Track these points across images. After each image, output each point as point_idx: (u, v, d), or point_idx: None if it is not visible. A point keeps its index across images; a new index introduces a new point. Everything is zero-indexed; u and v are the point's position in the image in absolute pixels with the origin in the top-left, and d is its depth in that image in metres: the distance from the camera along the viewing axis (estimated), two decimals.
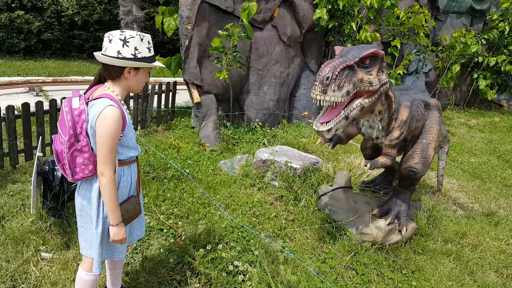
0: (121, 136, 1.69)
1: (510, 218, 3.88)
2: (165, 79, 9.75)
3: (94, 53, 1.71)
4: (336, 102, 2.15)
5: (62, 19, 14.62)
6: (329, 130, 2.25)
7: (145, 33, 1.75)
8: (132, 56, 1.64)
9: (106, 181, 1.63)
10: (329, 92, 2.11)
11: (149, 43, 1.71)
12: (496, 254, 3.18)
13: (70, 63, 14.12)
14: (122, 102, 1.73)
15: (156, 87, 5.75)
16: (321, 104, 2.18)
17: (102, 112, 1.58)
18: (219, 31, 5.01)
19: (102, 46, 1.67)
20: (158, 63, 1.76)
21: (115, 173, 1.69)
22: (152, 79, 10.32)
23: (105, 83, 1.73)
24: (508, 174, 5.37)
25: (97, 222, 1.75)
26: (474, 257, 3.07)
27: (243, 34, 5.02)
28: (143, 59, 1.68)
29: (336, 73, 2.11)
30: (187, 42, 5.11)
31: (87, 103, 1.67)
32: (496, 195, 4.54)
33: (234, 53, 5.07)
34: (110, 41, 1.63)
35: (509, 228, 3.67)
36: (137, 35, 1.65)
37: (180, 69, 5.87)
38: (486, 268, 2.97)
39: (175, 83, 6.18)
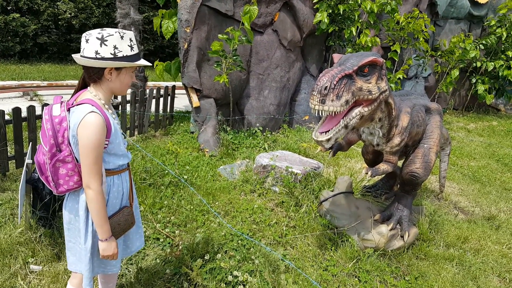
0: (106, 144, 1.57)
1: (511, 222, 3.86)
2: (165, 84, 9.69)
3: (73, 55, 1.61)
4: (335, 112, 2.12)
5: (59, 23, 14.51)
6: (328, 140, 2.22)
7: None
8: (112, 56, 1.52)
9: (93, 194, 1.52)
10: (327, 102, 2.08)
11: (131, 40, 1.58)
12: (498, 258, 3.16)
13: (67, 67, 13.98)
14: (107, 106, 1.62)
15: (154, 91, 5.72)
16: (320, 114, 2.14)
17: (82, 120, 1.48)
18: (219, 34, 4.99)
19: (80, 47, 1.57)
20: (143, 62, 1.63)
21: (102, 184, 1.59)
22: (151, 83, 10.24)
23: (88, 87, 1.63)
24: (507, 177, 5.37)
25: (86, 236, 1.64)
26: (476, 262, 3.05)
27: (243, 38, 5.00)
28: (124, 58, 1.55)
29: (335, 82, 2.07)
30: (186, 46, 5.08)
31: (68, 110, 1.57)
32: (496, 198, 4.54)
33: (234, 57, 5.04)
34: (87, 41, 1.51)
35: (510, 232, 3.66)
36: (116, 32, 1.53)
37: (180, 73, 5.84)
38: (489, 273, 2.95)
39: (173, 87, 6.14)
